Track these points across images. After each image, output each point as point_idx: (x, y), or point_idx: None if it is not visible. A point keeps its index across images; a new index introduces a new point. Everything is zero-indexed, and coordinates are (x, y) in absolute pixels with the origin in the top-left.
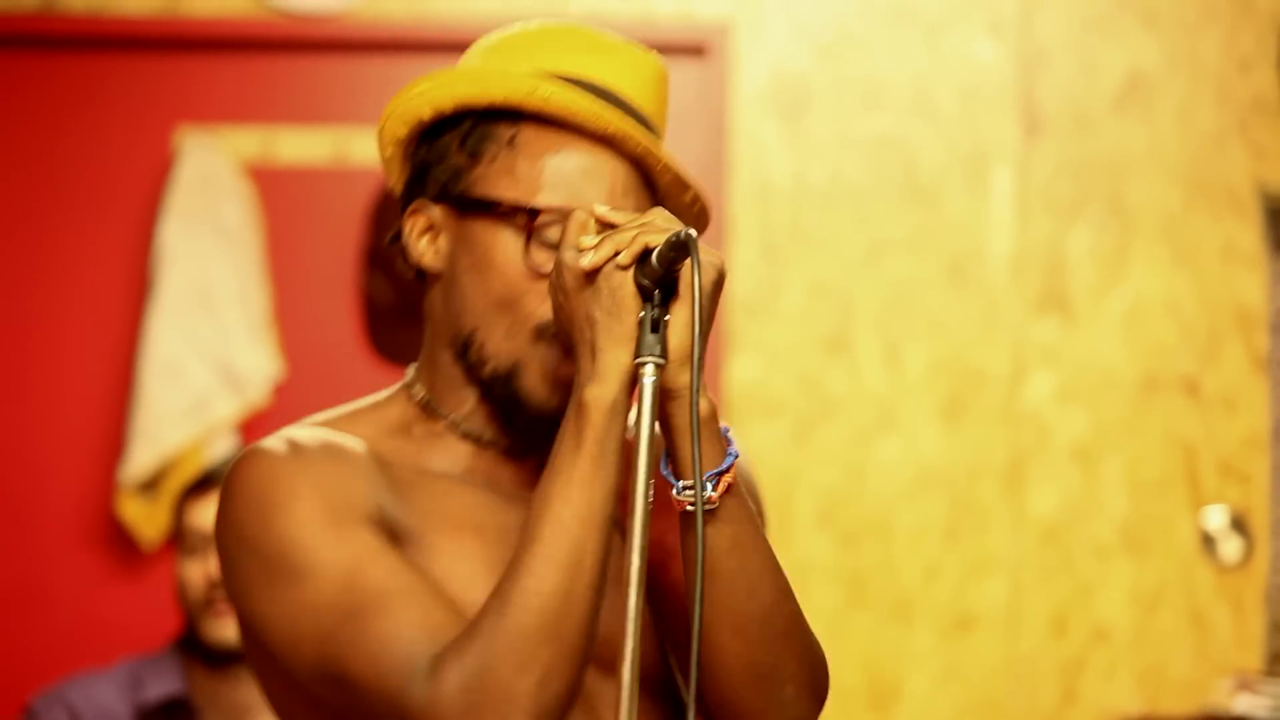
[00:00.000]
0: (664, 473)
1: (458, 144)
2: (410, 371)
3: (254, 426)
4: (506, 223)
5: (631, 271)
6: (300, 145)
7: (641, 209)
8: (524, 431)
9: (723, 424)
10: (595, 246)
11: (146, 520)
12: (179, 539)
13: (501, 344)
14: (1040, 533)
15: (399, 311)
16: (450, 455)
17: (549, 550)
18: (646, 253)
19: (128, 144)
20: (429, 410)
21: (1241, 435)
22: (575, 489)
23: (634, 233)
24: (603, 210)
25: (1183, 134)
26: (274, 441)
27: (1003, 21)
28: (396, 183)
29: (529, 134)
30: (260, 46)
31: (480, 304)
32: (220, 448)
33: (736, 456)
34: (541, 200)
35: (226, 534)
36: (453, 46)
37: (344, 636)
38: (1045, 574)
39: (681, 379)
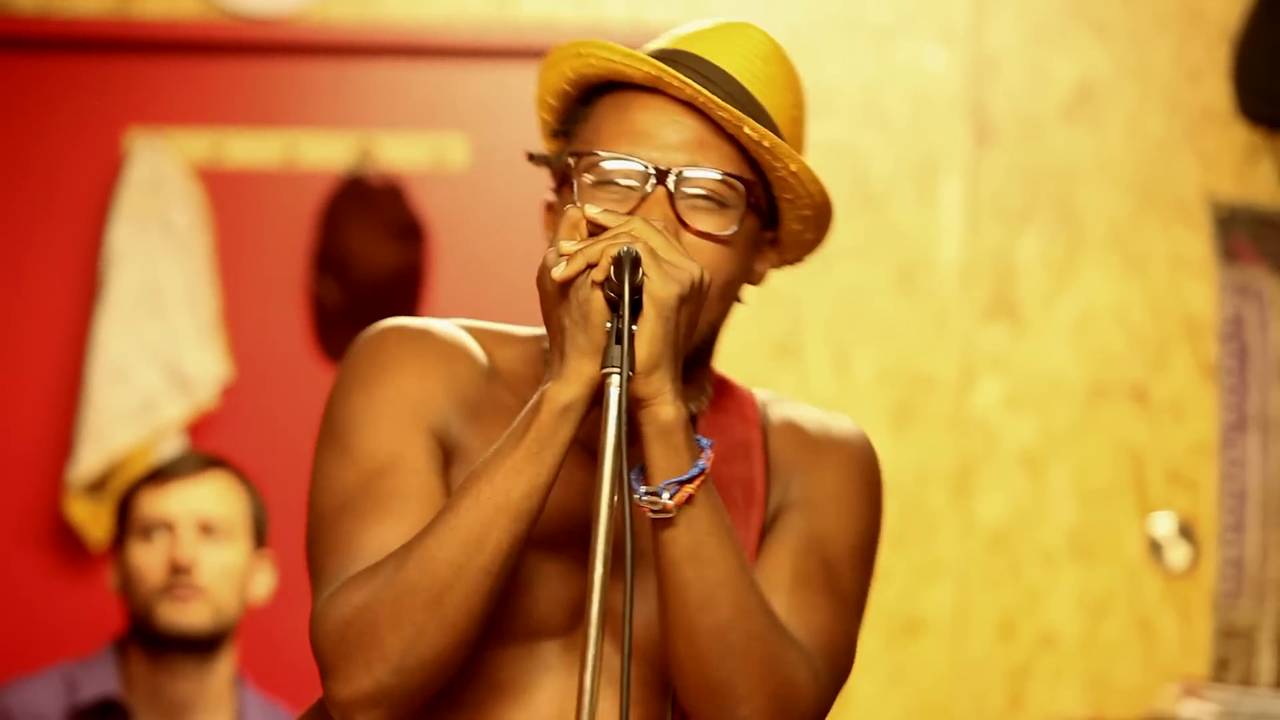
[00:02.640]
0: (632, 476)
1: (560, 133)
2: None
3: (202, 428)
4: (569, 188)
5: (602, 285)
6: (250, 148)
7: (725, 161)
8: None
9: (705, 440)
10: (571, 256)
11: (94, 521)
12: (126, 530)
13: None
14: (988, 539)
15: (348, 314)
16: None
17: (456, 522)
18: (617, 264)
19: (77, 146)
20: (548, 355)
21: (1189, 443)
22: (501, 474)
23: (605, 244)
24: (594, 212)
25: (1132, 143)
26: (411, 321)
27: (953, 30)
28: None
29: (604, 102)
30: (210, 49)
31: None
32: (168, 449)
33: (703, 470)
34: (591, 148)
35: (334, 383)
36: (403, 50)
37: (330, 522)
38: (992, 580)
39: (646, 389)
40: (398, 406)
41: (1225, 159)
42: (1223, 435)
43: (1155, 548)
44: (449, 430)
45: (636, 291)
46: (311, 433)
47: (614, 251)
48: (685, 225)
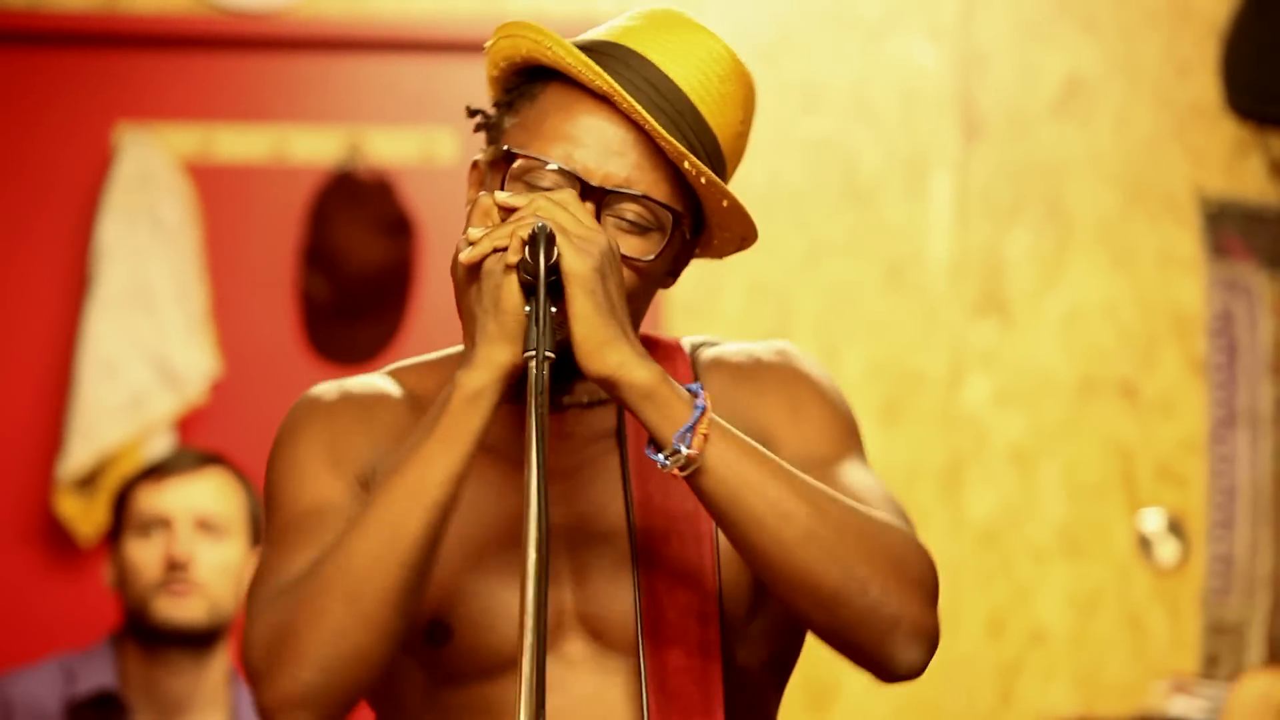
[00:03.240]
0: (648, 453)
1: (504, 101)
2: None
3: (191, 424)
4: (502, 170)
5: (515, 269)
6: (239, 143)
7: (657, 186)
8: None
9: (694, 384)
10: (478, 240)
11: (84, 517)
12: (123, 525)
13: None
14: (978, 535)
15: (337, 310)
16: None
17: (370, 518)
18: (531, 243)
19: (66, 141)
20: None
21: (1178, 439)
22: (413, 466)
23: (513, 226)
24: (503, 197)
25: (1121, 138)
26: (326, 386)
27: (942, 25)
28: None
29: (552, 92)
30: (199, 43)
31: None
32: (158, 445)
33: (704, 409)
34: (532, 149)
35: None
36: (392, 44)
37: (259, 565)
38: (982, 576)
39: (604, 366)
40: (317, 460)
41: (1214, 154)
42: (1212, 431)
43: (1145, 544)
44: (376, 474)
45: (554, 270)
46: None
47: (524, 233)
48: None
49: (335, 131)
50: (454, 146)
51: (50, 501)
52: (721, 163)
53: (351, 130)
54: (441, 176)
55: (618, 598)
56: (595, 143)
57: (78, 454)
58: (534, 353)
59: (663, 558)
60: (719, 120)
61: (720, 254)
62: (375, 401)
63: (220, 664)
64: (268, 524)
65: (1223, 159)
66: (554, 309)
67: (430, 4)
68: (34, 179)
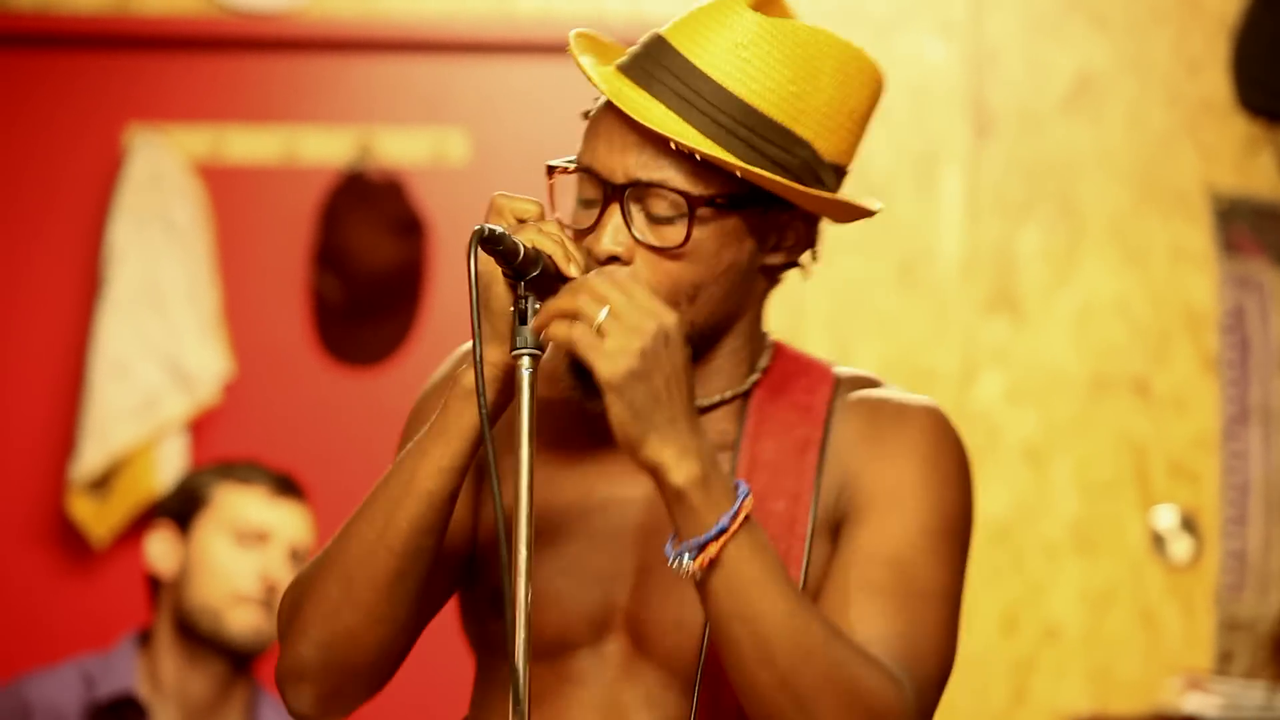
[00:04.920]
0: (666, 548)
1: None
2: None
3: (204, 426)
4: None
5: (500, 269)
6: (250, 144)
7: (673, 173)
8: (577, 385)
9: (740, 486)
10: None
11: (96, 519)
12: (195, 515)
13: None
14: (990, 532)
15: (348, 310)
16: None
17: (370, 501)
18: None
19: (77, 142)
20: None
21: (1191, 435)
22: (410, 457)
23: (521, 234)
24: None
25: (1132, 135)
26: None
27: (952, 22)
28: None
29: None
30: (210, 45)
31: None
32: (170, 446)
33: (724, 529)
34: (578, 158)
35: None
36: (403, 45)
37: None
38: (995, 573)
39: (646, 461)
40: (419, 423)
41: (1225, 151)
42: (1225, 428)
43: (1158, 540)
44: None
45: (534, 266)
46: (313, 429)
47: (527, 241)
48: (639, 241)
49: (346, 132)
50: (465, 147)
51: (62, 503)
52: (768, 128)
53: (362, 131)
54: (452, 177)
55: (670, 608)
56: (611, 143)
57: (90, 455)
58: (519, 351)
59: None
60: (753, 87)
61: (839, 220)
62: None
63: (249, 675)
64: None
65: (1234, 155)
66: (537, 306)
67: (440, 4)
68: (45, 181)
